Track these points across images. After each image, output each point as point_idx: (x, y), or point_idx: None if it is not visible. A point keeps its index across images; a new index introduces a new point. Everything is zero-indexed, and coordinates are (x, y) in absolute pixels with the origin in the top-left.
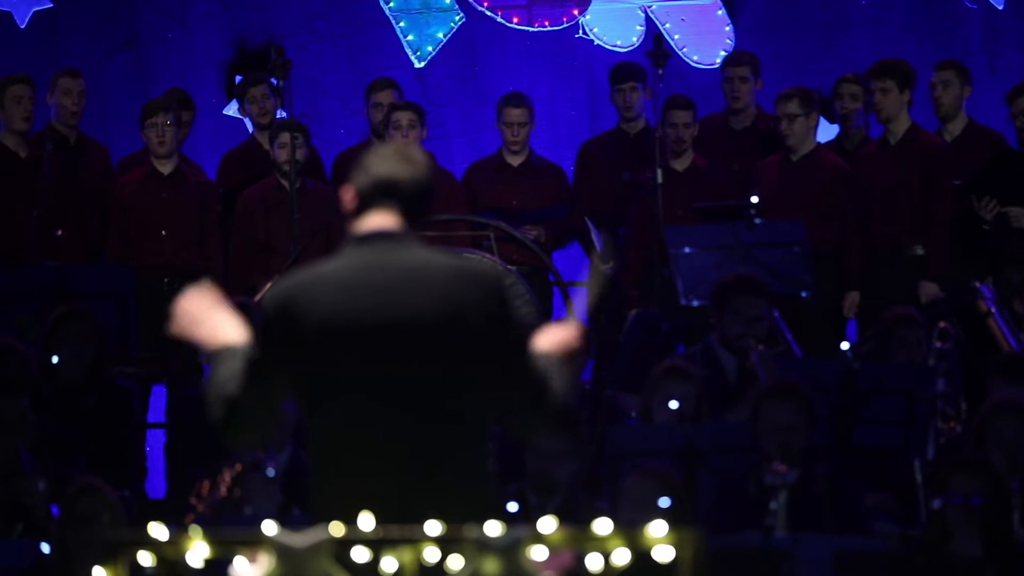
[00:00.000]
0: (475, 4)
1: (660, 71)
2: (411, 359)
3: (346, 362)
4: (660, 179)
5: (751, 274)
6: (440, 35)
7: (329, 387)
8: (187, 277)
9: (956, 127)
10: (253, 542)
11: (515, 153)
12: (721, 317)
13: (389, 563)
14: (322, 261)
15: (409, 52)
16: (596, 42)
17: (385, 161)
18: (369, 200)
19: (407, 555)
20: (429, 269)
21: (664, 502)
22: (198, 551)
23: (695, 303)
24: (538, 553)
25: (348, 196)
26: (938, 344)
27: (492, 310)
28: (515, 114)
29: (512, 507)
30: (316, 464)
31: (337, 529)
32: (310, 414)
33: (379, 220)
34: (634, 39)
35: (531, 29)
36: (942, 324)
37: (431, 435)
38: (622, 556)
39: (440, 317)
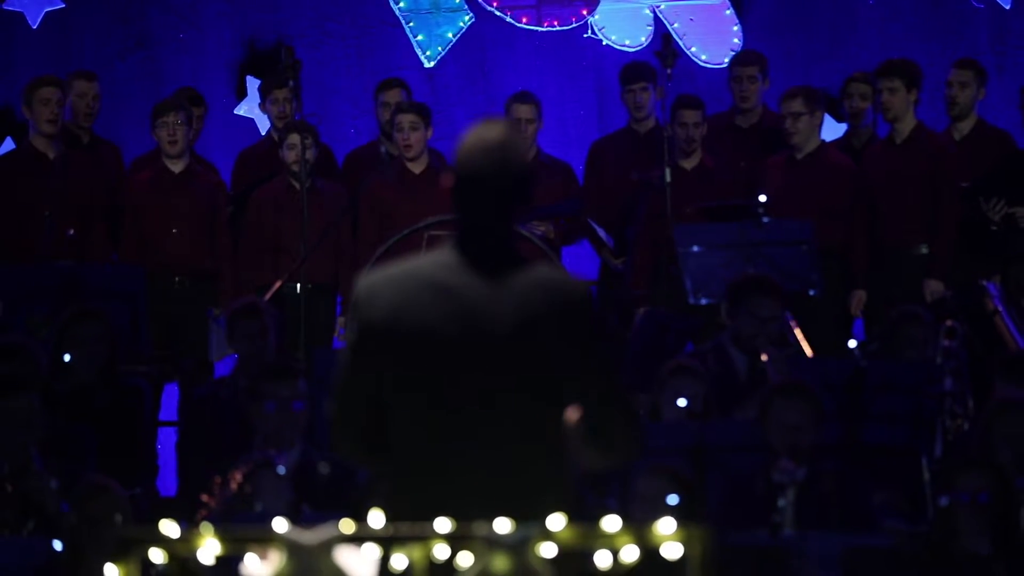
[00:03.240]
0: (484, 4)
1: (669, 71)
2: (483, 365)
3: (419, 361)
4: (669, 178)
5: (767, 275)
6: (449, 35)
7: (403, 384)
8: (198, 276)
9: (966, 126)
10: (264, 539)
11: None
12: (735, 316)
13: (400, 560)
14: (420, 255)
15: (419, 52)
16: (605, 42)
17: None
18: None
19: (417, 552)
20: (515, 277)
21: (673, 499)
22: (209, 548)
23: (703, 301)
24: (547, 550)
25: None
26: (945, 342)
27: (569, 326)
28: (521, 110)
29: None
30: (395, 464)
31: (347, 526)
32: (390, 412)
33: (474, 221)
34: (643, 39)
35: (540, 29)
36: (949, 322)
37: (507, 440)
38: (631, 553)
39: (516, 327)
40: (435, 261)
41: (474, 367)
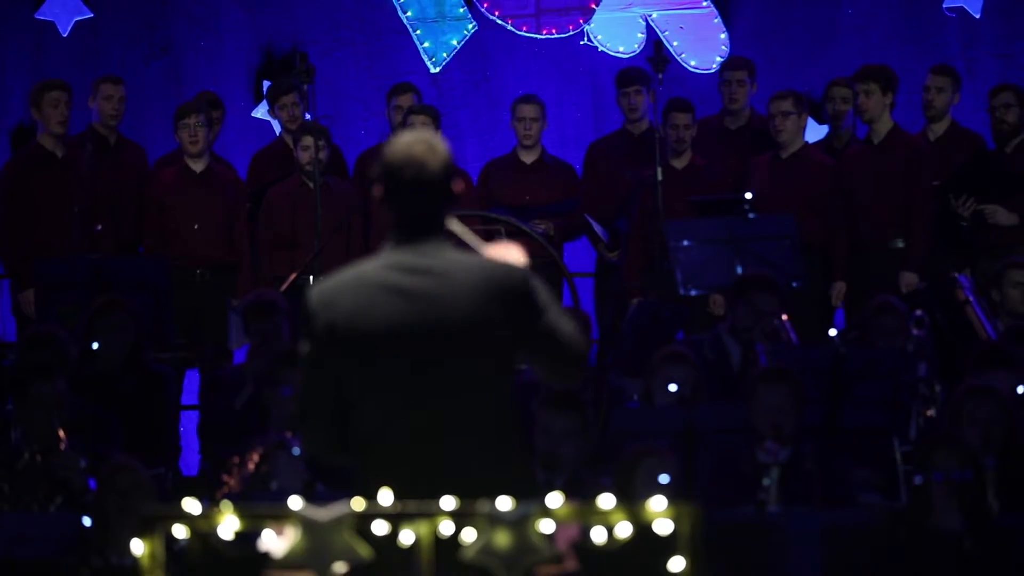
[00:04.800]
0: (487, 13)
1: (660, 75)
2: (440, 358)
3: (383, 360)
4: (661, 176)
5: (769, 274)
6: (454, 42)
7: (367, 382)
8: (217, 269)
9: (940, 128)
10: (280, 516)
11: (528, 149)
12: (736, 309)
13: (407, 536)
14: (363, 260)
15: (425, 58)
16: (600, 49)
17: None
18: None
19: (424, 528)
20: (459, 272)
21: (664, 478)
22: (229, 524)
23: (693, 292)
24: (546, 526)
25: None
26: (915, 331)
27: (519, 311)
28: (527, 110)
29: None
30: (358, 453)
31: (358, 504)
32: (352, 405)
33: (407, 225)
34: (636, 46)
35: (539, 36)
36: (921, 312)
37: (463, 425)
38: (624, 529)
39: (468, 320)
40: (380, 264)
41: (432, 360)
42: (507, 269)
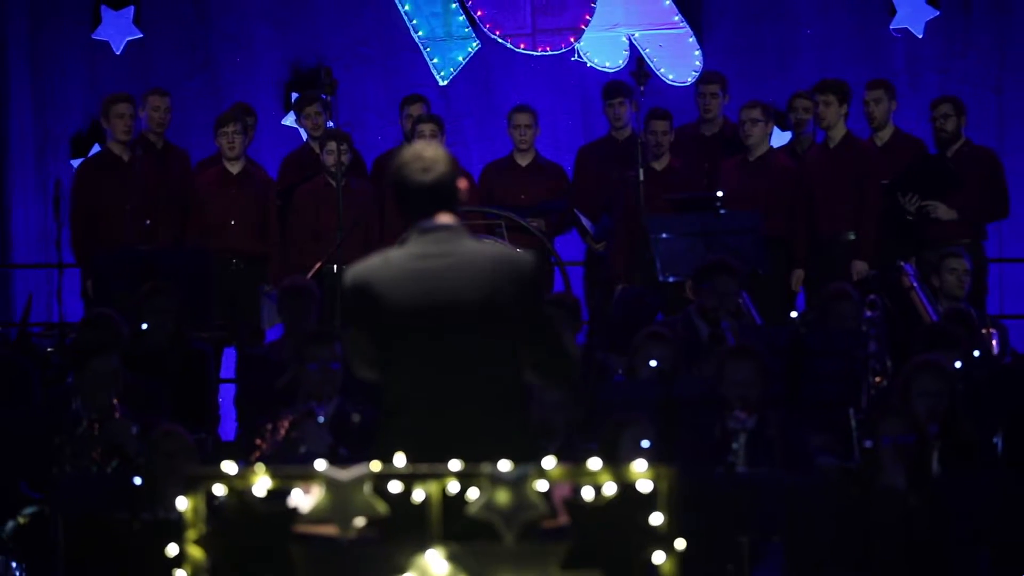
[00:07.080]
0: (489, 33)
1: (642, 88)
2: (458, 333)
3: (408, 334)
4: (642, 177)
5: (728, 259)
6: (460, 58)
7: (396, 353)
8: (251, 259)
9: (886, 134)
10: (307, 476)
11: (524, 152)
12: (700, 292)
13: (419, 494)
14: (388, 249)
15: (434, 72)
16: (589, 64)
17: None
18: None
19: (433, 487)
20: (474, 259)
21: (646, 443)
22: (262, 484)
23: (671, 279)
24: (541, 485)
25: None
26: (868, 313)
27: (523, 293)
28: (522, 118)
29: None
30: (385, 413)
31: (376, 465)
32: (382, 373)
33: (428, 217)
34: (620, 62)
35: (535, 53)
36: (872, 296)
37: (477, 393)
38: (610, 488)
39: (480, 300)
40: (403, 253)
41: (446, 334)
42: (517, 256)
